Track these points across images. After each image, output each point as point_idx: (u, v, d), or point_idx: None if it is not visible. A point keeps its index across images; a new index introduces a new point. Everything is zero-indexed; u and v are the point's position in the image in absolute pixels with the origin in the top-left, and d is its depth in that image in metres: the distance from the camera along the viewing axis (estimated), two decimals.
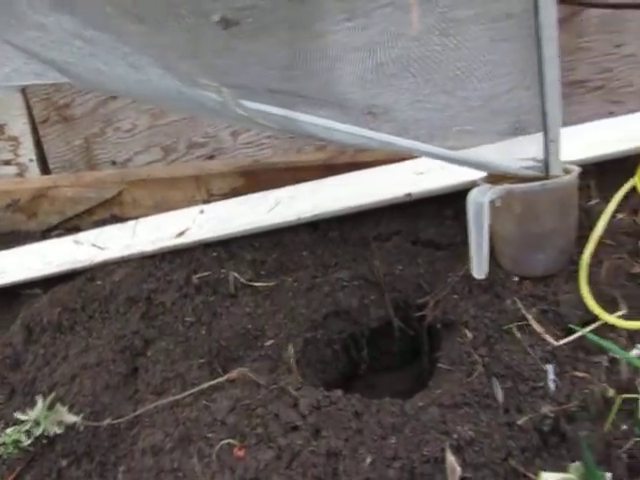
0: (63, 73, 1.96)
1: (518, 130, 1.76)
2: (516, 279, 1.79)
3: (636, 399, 1.52)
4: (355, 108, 1.67)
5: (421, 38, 1.53)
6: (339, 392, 1.68)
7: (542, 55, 1.50)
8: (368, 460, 1.54)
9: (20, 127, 2.95)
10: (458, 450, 1.51)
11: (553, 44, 1.47)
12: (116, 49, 1.60)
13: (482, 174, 1.82)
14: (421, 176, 2.04)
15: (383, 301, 1.98)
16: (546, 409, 1.55)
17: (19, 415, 1.84)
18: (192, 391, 1.76)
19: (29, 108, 2.92)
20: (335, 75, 1.58)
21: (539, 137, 1.70)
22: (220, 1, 1.38)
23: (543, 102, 1.62)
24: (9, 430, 1.84)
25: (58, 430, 1.82)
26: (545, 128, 1.68)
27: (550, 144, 1.70)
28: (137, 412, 1.79)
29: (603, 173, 1.99)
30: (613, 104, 2.32)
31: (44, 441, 1.84)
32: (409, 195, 1.99)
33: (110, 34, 1.53)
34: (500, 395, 1.60)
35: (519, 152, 1.79)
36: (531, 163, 1.77)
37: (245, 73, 1.57)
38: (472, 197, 1.64)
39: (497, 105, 1.70)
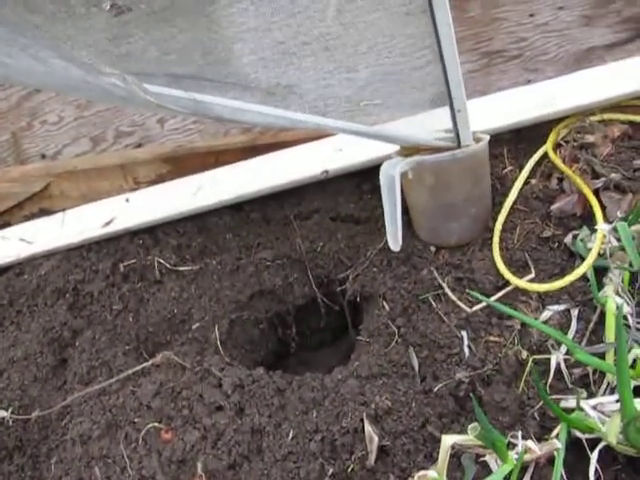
0: None
1: (432, 103, 1.78)
2: (433, 249, 1.83)
3: (548, 359, 1.57)
4: (260, 88, 1.68)
5: (317, 15, 1.54)
6: (261, 370, 1.71)
7: (438, 31, 1.52)
8: (290, 435, 1.57)
9: None
10: (376, 420, 1.55)
11: (445, 12, 1.48)
12: (14, 40, 1.59)
13: (395, 148, 1.84)
14: (339, 153, 2.06)
15: (307, 278, 2.00)
16: (461, 374, 1.59)
17: None
18: (118, 378, 1.77)
19: None
20: (235, 56, 1.58)
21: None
22: None
23: (445, 75, 1.65)
24: None
25: None
26: (450, 99, 1.70)
27: (457, 114, 1.72)
28: (65, 402, 1.79)
29: (519, 141, 2.03)
30: (531, 72, 2.35)
31: None
32: (326, 172, 2.01)
33: (6, 25, 1.52)
34: (416, 364, 1.64)
35: (433, 124, 1.81)
36: (443, 134, 1.79)
37: (144, 60, 1.57)
38: (384, 170, 1.65)
39: (408, 79, 1.72)
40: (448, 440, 1.38)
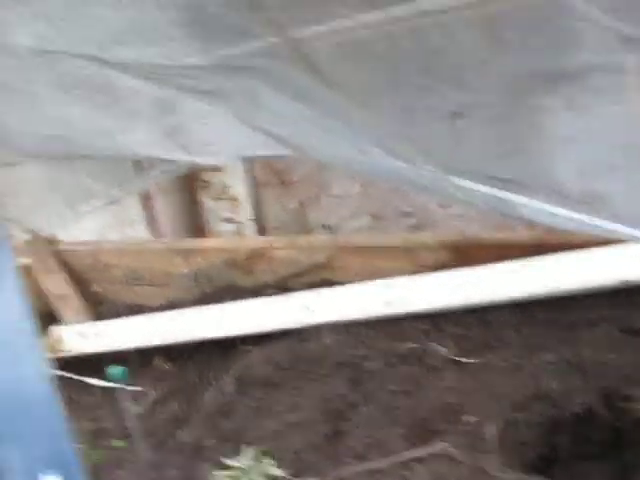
0: (291, 147, 2.12)
1: None
2: None
3: None
4: (569, 194, 1.68)
5: (637, 126, 1.53)
6: (540, 478, 1.68)
7: None
8: None
9: (241, 188, 3.18)
10: None
11: None
12: (345, 135, 1.72)
13: None
14: (635, 263, 2.00)
15: (588, 388, 1.95)
16: None
17: (228, 461, 1.96)
18: (392, 460, 1.82)
19: (251, 171, 3.14)
20: (551, 163, 1.61)
21: None
22: (452, 99, 1.46)
23: None
24: (218, 473, 1.97)
25: None
26: None
27: None
28: (339, 474, 1.86)
29: None
30: None
31: None
32: (626, 282, 1.96)
33: (345, 123, 1.66)
34: None
35: None
36: None
37: (466, 159, 1.63)
38: None
39: None
40: None
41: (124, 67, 1.63)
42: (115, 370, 2.33)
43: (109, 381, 2.39)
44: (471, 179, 1.72)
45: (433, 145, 1.65)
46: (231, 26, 1.34)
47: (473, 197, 1.77)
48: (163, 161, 2.55)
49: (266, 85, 1.58)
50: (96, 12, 1.38)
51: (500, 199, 1.72)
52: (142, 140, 2.13)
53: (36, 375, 1.24)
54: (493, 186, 1.71)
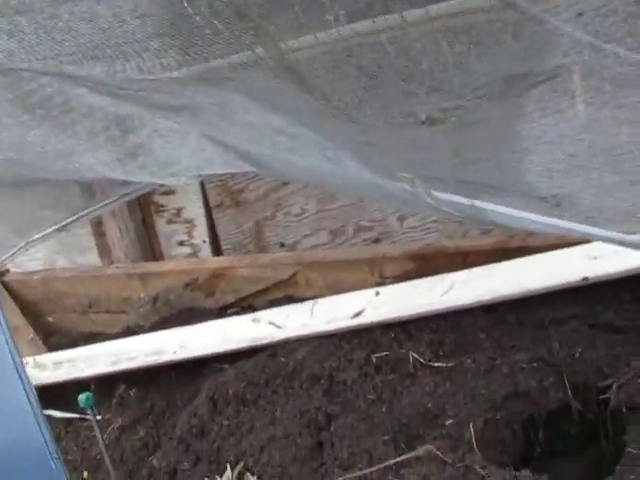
0: (254, 164, 2.12)
1: None
2: None
3: None
4: (539, 197, 1.74)
5: (606, 128, 1.59)
6: (527, 472, 1.72)
7: None
8: None
9: (196, 211, 3.16)
10: None
11: None
12: (317, 144, 1.74)
13: None
14: (595, 260, 2.08)
15: (562, 384, 2.00)
16: None
17: None
18: (380, 466, 1.83)
19: (204, 193, 3.13)
20: (524, 166, 1.66)
21: None
22: (429, 103, 1.49)
23: None
24: None
25: None
26: None
27: None
28: None
29: None
30: None
31: None
32: (586, 279, 2.03)
33: (315, 131, 1.68)
34: None
35: None
36: None
37: (440, 166, 1.67)
38: None
39: None
40: None
41: (94, 83, 1.61)
42: (84, 396, 2.29)
43: (77, 409, 2.33)
44: (445, 186, 1.76)
45: (409, 153, 1.68)
46: (216, 37, 1.34)
47: (448, 206, 1.82)
48: (120, 184, 2.53)
49: (244, 97, 1.59)
50: (69, 25, 1.36)
51: (474, 207, 1.76)
52: (102, 161, 2.11)
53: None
54: (467, 191, 1.75)
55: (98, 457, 2.39)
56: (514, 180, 1.75)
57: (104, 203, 2.77)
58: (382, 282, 2.44)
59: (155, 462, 2.30)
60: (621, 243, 1.78)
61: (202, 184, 3.14)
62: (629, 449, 1.74)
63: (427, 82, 1.49)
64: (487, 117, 1.57)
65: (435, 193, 1.79)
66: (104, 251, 3.37)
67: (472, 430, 1.93)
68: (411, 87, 1.50)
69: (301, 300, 2.54)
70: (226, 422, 2.23)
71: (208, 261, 3.06)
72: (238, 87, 1.53)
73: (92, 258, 3.43)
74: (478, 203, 1.79)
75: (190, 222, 3.20)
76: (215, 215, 3.15)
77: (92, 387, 2.78)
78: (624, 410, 1.85)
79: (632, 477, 1.64)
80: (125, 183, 2.49)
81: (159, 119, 1.99)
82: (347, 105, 1.55)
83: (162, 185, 3.05)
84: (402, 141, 1.64)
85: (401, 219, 2.73)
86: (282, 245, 3.01)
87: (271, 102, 1.68)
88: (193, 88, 1.59)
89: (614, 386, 1.88)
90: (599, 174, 1.71)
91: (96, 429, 2.24)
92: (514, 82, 1.51)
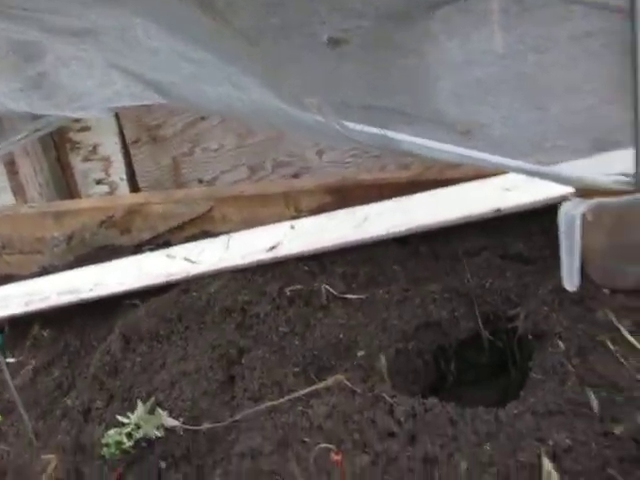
0: (164, 94, 2.05)
1: (607, 145, 1.78)
2: (607, 292, 1.82)
3: None
4: (449, 125, 1.72)
5: (514, 54, 1.57)
6: (435, 400, 1.73)
7: (637, 67, 1.52)
8: (464, 466, 1.58)
9: (112, 147, 3.08)
10: (554, 457, 1.54)
11: None
12: (221, 70, 1.68)
13: (568, 189, 1.84)
14: (508, 192, 2.08)
15: (473, 314, 2.02)
16: None
17: (120, 418, 1.92)
18: (289, 397, 1.82)
19: (121, 129, 3.05)
20: (432, 91, 1.63)
21: (628, 152, 1.72)
22: (328, 23, 1.45)
23: (636, 116, 1.64)
24: (111, 432, 1.92)
25: (158, 433, 1.89)
26: (637, 142, 1.70)
27: None
28: (236, 417, 1.85)
29: None
30: None
31: (144, 444, 1.92)
32: (499, 210, 2.03)
33: (218, 55, 1.62)
34: (595, 404, 1.62)
35: (605, 167, 1.81)
36: (621, 178, 1.79)
37: (345, 90, 1.63)
38: (565, 210, 1.66)
39: (588, 120, 1.73)
40: None
41: None
42: None
43: None
44: (354, 114, 1.72)
45: (315, 77, 1.63)
46: None
47: (359, 136, 1.78)
48: (31, 119, 2.43)
49: (144, 19, 1.52)
50: None
51: (385, 137, 1.73)
52: (4, 92, 2.02)
53: None
54: (377, 119, 1.72)
55: (11, 400, 2.33)
56: (424, 107, 1.72)
57: (16, 139, 2.67)
58: (298, 216, 2.42)
59: (69, 402, 2.26)
60: (530, 174, 1.78)
61: (118, 120, 3.06)
62: (532, 374, 1.76)
63: (327, 0, 1.45)
64: (392, 39, 1.53)
65: (346, 123, 1.75)
66: (18, 191, 3.26)
67: (383, 360, 1.93)
68: (311, 5, 1.45)
69: (217, 235, 2.50)
70: (139, 359, 2.19)
71: (123, 198, 2.99)
72: (137, 8, 1.46)
73: (6, 198, 3.33)
74: (389, 133, 1.76)
75: (107, 159, 3.12)
76: (132, 152, 3.07)
77: (6, 329, 2.72)
78: (530, 337, 1.87)
79: (532, 400, 1.67)
80: (36, 118, 2.40)
81: (60, 44, 1.90)
82: (247, 26, 1.50)
83: (75, 120, 2.96)
84: (307, 65, 1.60)
85: (319, 153, 2.70)
86: (200, 181, 2.96)
87: (172, 25, 1.62)
88: (93, 10, 1.51)
89: (521, 315, 1.90)
90: (508, 102, 1.70)
91: (5, 370, 2.19)
92: (417, 1, 1.47)
